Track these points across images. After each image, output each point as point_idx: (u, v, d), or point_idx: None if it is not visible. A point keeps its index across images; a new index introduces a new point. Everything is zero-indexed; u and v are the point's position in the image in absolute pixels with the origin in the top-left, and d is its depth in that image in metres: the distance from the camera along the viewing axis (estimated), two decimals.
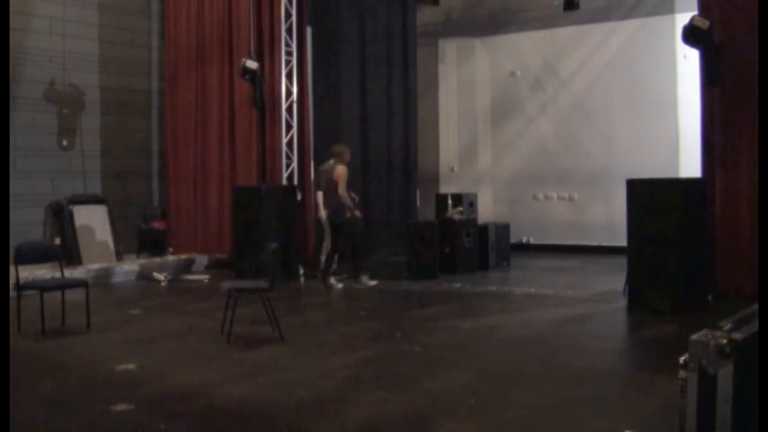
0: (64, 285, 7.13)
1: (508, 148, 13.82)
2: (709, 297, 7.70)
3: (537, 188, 13.42)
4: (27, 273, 7.82)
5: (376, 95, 12.86)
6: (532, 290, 8.96)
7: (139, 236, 11.78)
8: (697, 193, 7.73)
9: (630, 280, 7.82)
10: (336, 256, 9.76)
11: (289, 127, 10.83)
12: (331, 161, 9.46)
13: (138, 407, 4.53)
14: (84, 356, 5.93)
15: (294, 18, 10.84)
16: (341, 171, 9.23)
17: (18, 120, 10.23)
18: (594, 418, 4.32)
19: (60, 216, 10.80)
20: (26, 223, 10.04)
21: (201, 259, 11.30)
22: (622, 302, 7.88)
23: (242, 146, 11.18)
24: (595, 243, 12.42)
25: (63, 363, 5.69)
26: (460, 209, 11.01)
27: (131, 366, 5.50)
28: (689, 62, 10.57)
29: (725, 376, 2.20)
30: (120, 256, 11.04)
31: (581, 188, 12.95)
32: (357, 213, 9.47)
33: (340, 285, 9.39)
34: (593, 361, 5.67)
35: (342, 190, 9.19)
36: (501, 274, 10.63)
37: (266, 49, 10.85)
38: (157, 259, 10.98)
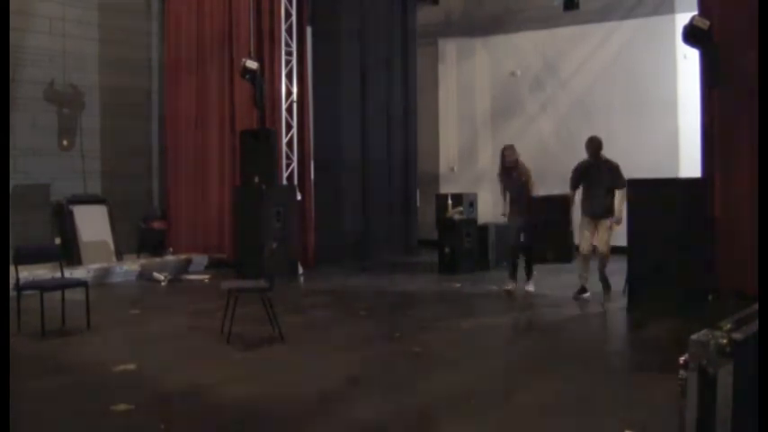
0: (64, 285, 7.13)
1: None
2: (710, 297, 7.70)
3: (537, 188, 13.37)
4: (27, 273, 7.82)
5: (376, 95, 12.85)
6: (532, 290, 8.95)
7: (139, 236, 11.77)
8: (697, 193, 7.72)
9: (630, 280, 7.82)
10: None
11: (289, 127, 10.82)
12: None
13: (138, 407, 4.52)
14: (84, 356, 5.93)
15: (294, 18, 10.84)
16: None
17: (18, 120, 10.20)
18: (594, 418, 4.32)
19: (60, 216, 10.77)
20: (26, 223, 10.03)
21: (201, 259, 11.29)
22: (622, 302, 7.88)
23: None
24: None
25: (63, 363, 5.68)
26: (460, 209, 11.01)
27: (131, 366, 5.49)
28: (689, 62, 10.56)
29: (725, 376, 2.20)
30: (120, 256, 11.03)
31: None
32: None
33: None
34: (592, 361, 5.67)
35: None
36: (501, 274, 10.60)
37: (266, 49, 10.85)
38: (157, 259, 10.97)
